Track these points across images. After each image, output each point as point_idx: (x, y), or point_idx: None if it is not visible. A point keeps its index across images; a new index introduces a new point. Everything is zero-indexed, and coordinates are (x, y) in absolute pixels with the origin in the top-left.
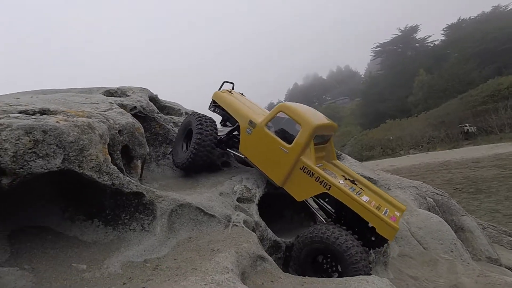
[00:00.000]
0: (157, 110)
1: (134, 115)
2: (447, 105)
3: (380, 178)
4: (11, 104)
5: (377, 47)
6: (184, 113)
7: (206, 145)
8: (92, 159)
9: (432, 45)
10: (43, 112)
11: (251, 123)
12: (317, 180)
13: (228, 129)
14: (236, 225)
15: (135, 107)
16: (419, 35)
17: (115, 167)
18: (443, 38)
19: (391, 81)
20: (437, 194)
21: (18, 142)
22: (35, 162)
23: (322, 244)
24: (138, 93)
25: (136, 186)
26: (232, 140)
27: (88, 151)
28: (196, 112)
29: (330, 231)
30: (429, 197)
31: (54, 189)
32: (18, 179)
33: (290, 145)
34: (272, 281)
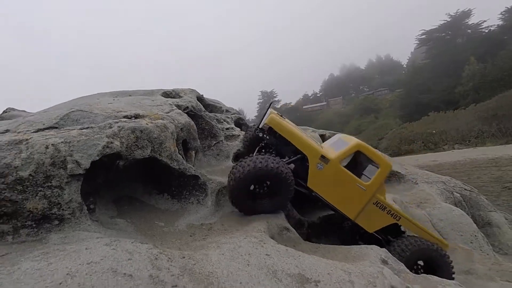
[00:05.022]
0: (203, 109)
1: (186, 113)
2: (502, 96)
3: (408, 172)
4: (118, 111)
5: (422, 34)
6: (225, 111)
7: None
8: (167, 150)
9: (487, 31)
10: (137, 116)
11: (324, 158)
12: (388, 212)
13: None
14: None
15: (187, 107)
16: (472, 20)
17: (180, 156)
18: (501, 23)
19: (437, 71)
20: (465, 189)
21: (128, 138)
22: (137, 151)
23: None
24: (189, 94)
25: (194, 170)
26: None
27: (165, 144)
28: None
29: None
30: (457, 192)
31: (137, 171)
32: (127, 162)
33: (367, 183)
34: (294, 246)
